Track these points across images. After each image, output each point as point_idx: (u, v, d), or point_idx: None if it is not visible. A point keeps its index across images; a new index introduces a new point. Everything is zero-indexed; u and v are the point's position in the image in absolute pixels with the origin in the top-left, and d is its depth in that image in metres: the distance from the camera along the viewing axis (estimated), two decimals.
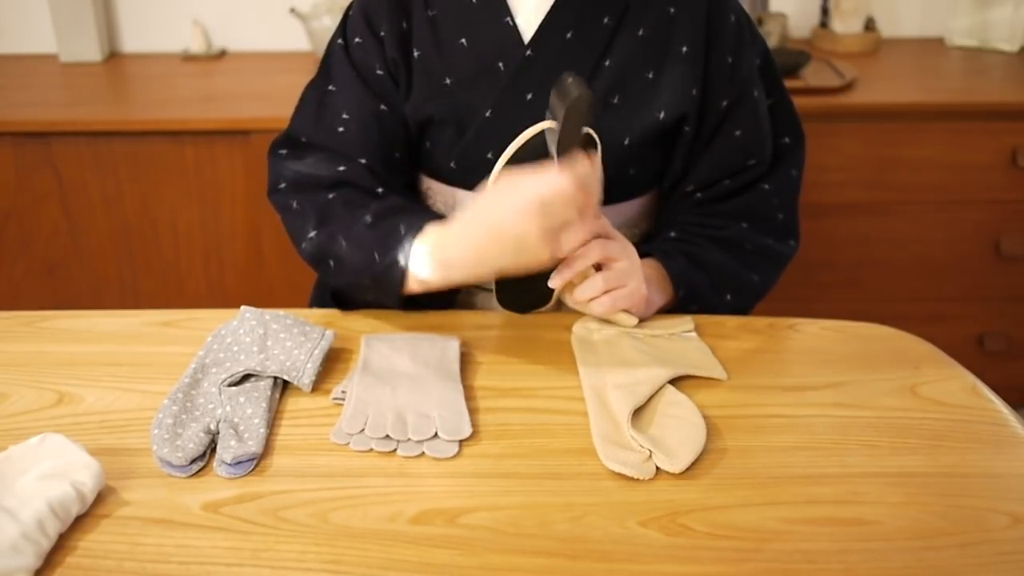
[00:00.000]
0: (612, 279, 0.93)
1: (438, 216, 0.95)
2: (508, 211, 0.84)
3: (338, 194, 1.01)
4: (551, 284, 0.92)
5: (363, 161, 1.03)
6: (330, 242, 0.99)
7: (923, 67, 2.04)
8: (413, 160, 1.11)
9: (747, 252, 1.07)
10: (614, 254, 0.92)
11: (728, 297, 1.06)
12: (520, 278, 0.91)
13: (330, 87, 1.07)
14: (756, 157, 1.08)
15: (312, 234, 1.00)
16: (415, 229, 0.92)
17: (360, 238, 0.96)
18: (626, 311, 0.96)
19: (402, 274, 0.93)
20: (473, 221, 0.88)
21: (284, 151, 1.08)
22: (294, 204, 1.03)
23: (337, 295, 1.07)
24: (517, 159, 0.89)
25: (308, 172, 1.03)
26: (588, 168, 0.83)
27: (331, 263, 1.00)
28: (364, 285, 0.98)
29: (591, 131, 0.90)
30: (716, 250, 1.06)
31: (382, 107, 1.05)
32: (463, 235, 0.89)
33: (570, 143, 0.84)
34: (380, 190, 1.02)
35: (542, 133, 0.89)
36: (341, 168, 1.03)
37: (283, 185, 1.05)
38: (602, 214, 0.93)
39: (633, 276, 0.94)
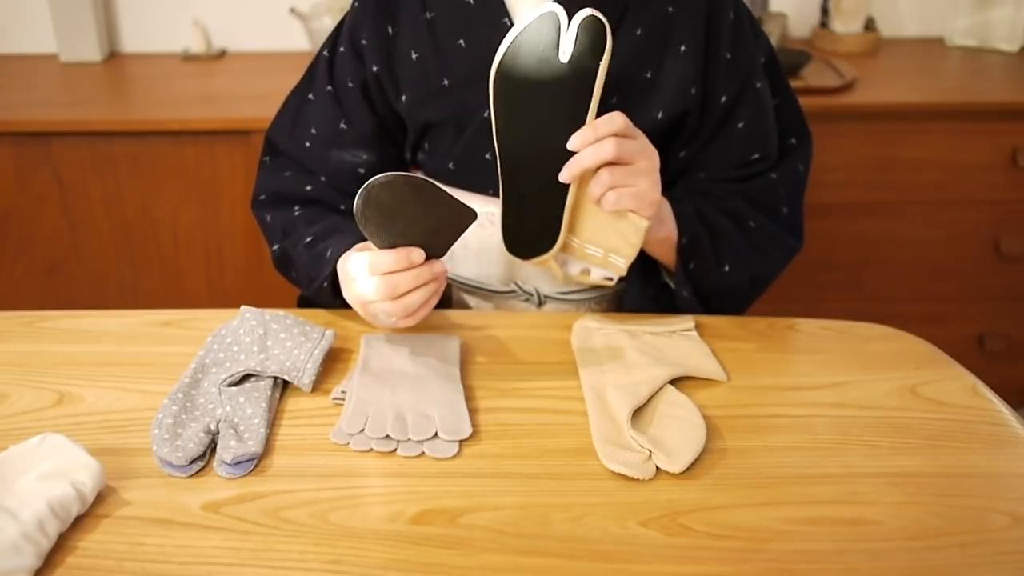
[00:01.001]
0: (619, 177, 0.90)
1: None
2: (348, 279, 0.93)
3: (304, 211, 1.09)
4: (561, 178, 0.91)
5: (323, 179, 1.09)
6: (286, 257, 1.08)
7: (923, 67, 2.03)
8: (410, 164, 1.12)
9: (750, 229, 1.06)
10: (626, 155, 0.90)
11: (726, 268, 1.04)
12: (526, 215, 0.92)
13: (309, 95, 1.11)
14: (761, 151, 1.07)
15: (275, 247, 1.09)
16: (338, 253, 0.98)
17: (300, 257, 1.04)
18: (635, 213, 0.92)
19: (331, 293, 0.99)
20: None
21: (267, 159, 1.14)
22: (267, 218, 1.11)
23: (302, 297, 1.18)
24: (522, 48, 0.89)
25: (282, 188, 1.11)
26: (391, 262, 0.85)
27: (292, 274, 1.09)
28: (314, 296, 1.05)
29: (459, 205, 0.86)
30: (722, 217, 1.04)
31: (342, 125, 1.08)
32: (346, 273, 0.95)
33: (386, 238, 0.85)
34: (343, 207, 1.08)
35: (548, 16, 0.87)
36: (308, 187, 1.10)
37: (263, 197, 1.12)
38: (624, 114, 0.91)
39: (644, 177, 0.92)
